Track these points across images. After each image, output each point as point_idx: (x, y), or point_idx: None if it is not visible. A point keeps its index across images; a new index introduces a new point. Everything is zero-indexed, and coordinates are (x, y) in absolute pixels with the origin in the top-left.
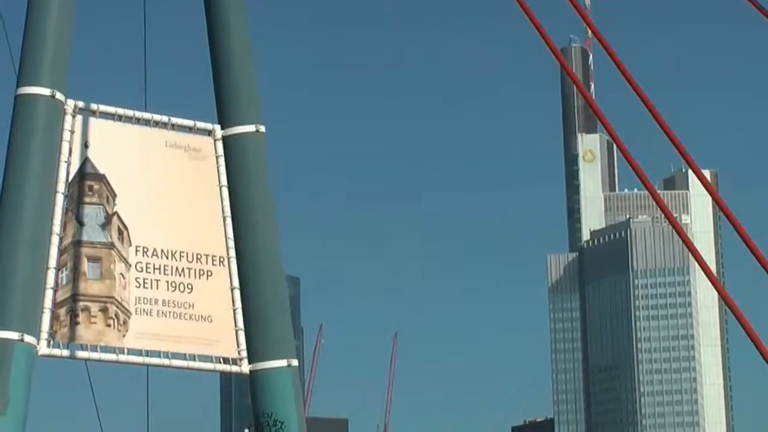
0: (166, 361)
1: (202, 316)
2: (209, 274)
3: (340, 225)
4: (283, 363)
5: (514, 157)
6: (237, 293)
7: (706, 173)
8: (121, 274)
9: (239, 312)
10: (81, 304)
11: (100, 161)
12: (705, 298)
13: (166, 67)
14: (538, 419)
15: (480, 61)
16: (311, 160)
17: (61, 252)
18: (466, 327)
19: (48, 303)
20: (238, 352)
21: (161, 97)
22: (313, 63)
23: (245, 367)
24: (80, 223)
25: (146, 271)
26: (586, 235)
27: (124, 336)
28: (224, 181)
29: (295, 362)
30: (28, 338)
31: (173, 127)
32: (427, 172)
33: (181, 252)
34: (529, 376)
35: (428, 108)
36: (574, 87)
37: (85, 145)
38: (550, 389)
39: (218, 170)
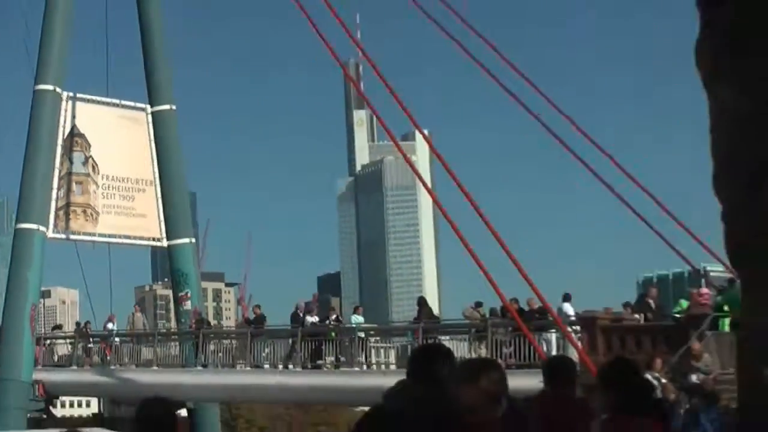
0: (123, 241)
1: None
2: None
3: None
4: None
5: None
6: None
7: (426, 131)
8: (94, 191)
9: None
10: (71, 208)
11: (81, 126)
12: (426, 204)
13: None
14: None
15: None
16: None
17: (60, 178)
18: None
19: (53, 207)
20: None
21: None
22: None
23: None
24: (71, 162)
25: (108, 189)
26: (359, 167)
27: (95, 227)
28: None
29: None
30: (41, 228)
31: (123, 106)
32: None
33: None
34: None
35: None
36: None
37: (73, 117)
38: (338, 254)
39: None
